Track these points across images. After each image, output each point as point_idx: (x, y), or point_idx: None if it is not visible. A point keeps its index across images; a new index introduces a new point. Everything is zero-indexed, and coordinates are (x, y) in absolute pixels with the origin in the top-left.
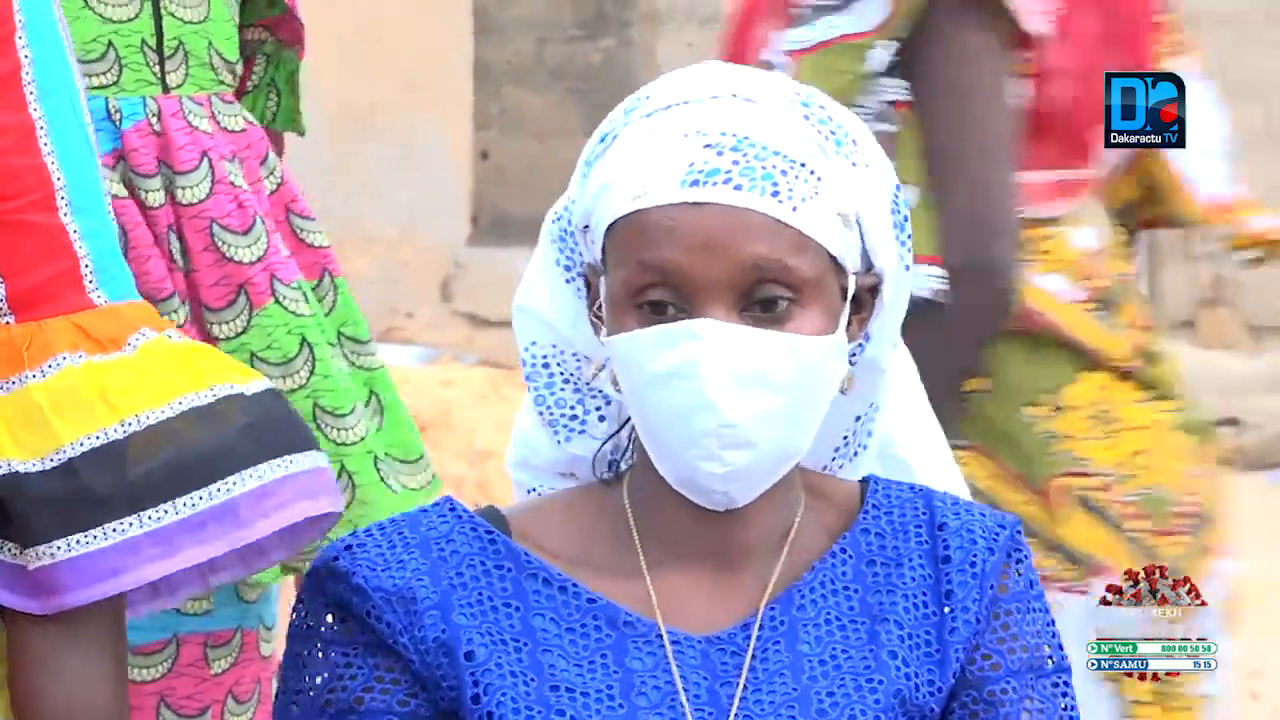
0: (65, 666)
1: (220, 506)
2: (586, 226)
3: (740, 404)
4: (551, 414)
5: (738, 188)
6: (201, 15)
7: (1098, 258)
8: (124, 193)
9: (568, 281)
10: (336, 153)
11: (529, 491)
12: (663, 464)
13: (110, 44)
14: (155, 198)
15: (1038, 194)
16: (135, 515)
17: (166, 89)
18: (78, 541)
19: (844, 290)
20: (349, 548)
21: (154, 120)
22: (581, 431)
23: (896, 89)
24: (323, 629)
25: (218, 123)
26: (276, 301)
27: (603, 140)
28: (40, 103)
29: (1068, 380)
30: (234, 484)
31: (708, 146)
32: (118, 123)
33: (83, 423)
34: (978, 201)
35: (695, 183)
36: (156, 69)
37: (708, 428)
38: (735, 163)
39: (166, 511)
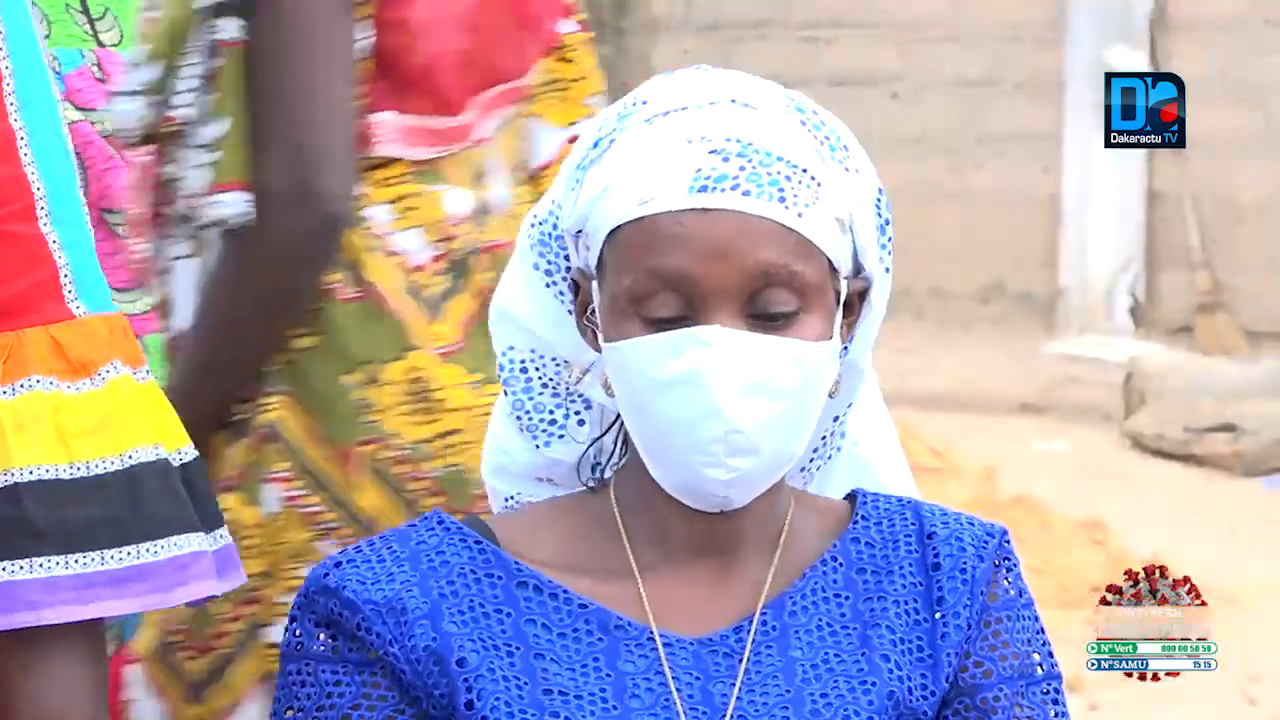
0: (39, 676)
1: (145, 567)
2: (579, 231)
3: (747, 411)
4: (530, 419)
5: (746, 194)
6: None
7: (466, 221)
8: (79, 117)
9: (548, 286)
10: None
11: (506, 500)
12: (660, 469)
13: (32, 2)
14: (107, 127)
15: (394, 136)
16: (64, 556)
17: (102, 46)
18: (2, 569)
19: (838, 294)
20: (338, 564)
21: (95, 69)
22: (561, 436)
23: (229, 28)
24: (313, 647)
25: None
26: None
27: (597, 145)
28: (20, 113)
29: (390, 356)
30: (160, 548)
31: (713, 152)
32: (58, 70)
33: (37, 453)
34: (310, 131)
35: (704, 189)
36: (88, 28)
37: (715, 434)
38: (742, 169)
39: (93, 559)
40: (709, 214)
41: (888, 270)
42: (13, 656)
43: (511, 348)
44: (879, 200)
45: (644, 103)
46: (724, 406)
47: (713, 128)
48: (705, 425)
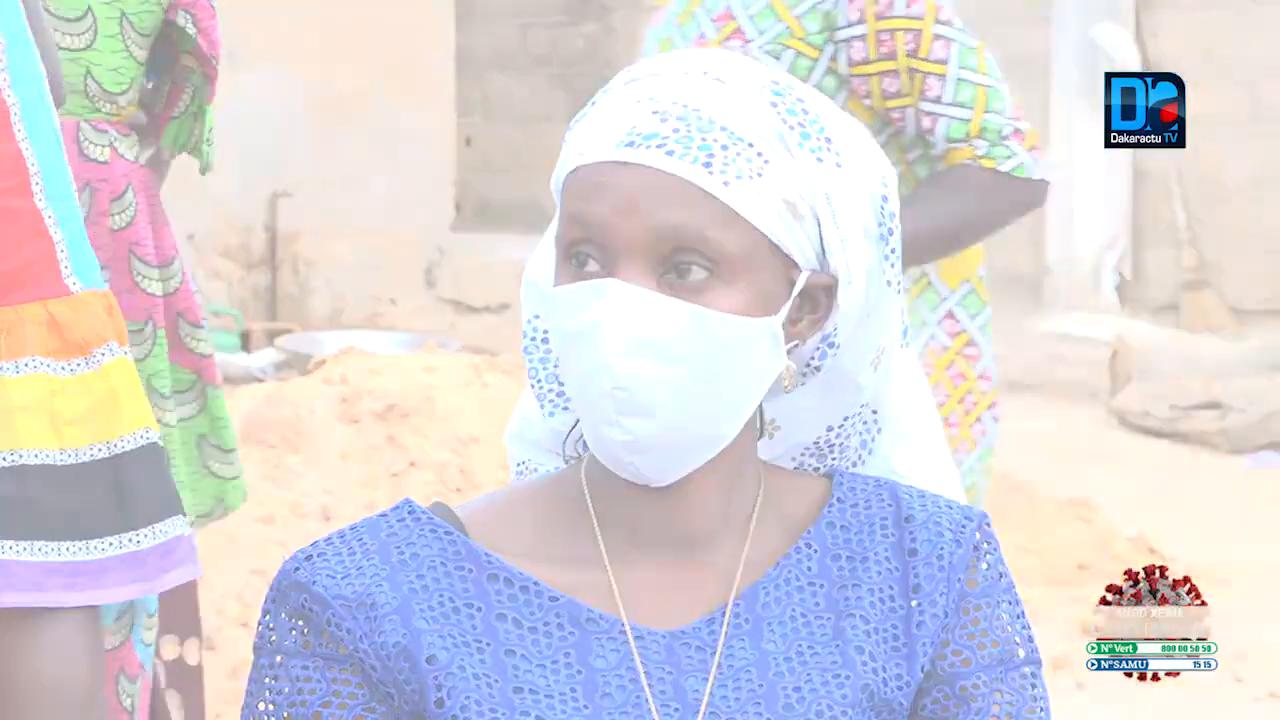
0: (38, 648)
1: (128, 556)
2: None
3: (635, 368)
4: (541, 387)
5: (670, 153)
6: (85, 44)
7: None
8: None
9: None
10: (319, 140)
11: (518, 465)
12: (584, 430)
13: None
14: None
15: None
16: (59, 542)
17: None
18: (10, 548)
19: (791, 283)
20: (309, 557)
21: None
22: (565, 408)
23: None
24: (284, 642)
25: (80, 149)
26: None
27: (586, 104)
28: (13, 88)
29: None
30: (143, 536)
31: (655, 113)
32: None
33: (40, 437)
34: None
35: (630, 144)
36: None
37: (604, 389)
38: (675, 130)
39: (82, 549)
40: (628, 167)
41: (890, 282)
42: (13, 629)
43: (537, 316)
44: (882, 208)
45: (630, 70)
46: (611, 361)
47: (667, 93)
48: (596, 379)
